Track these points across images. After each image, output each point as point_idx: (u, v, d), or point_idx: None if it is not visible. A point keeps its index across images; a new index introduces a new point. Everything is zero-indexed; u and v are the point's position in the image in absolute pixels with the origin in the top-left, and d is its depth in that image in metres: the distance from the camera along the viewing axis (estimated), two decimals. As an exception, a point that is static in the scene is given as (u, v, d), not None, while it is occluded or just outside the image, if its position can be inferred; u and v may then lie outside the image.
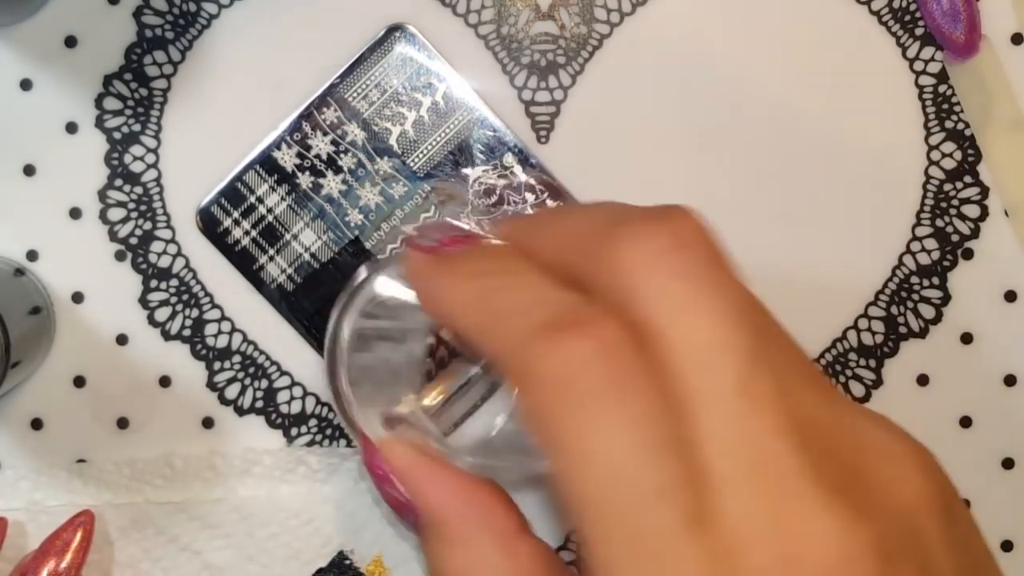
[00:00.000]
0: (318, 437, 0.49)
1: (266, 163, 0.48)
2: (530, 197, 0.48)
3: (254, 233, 0.48)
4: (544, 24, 0.48)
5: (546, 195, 0.48)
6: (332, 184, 0.48)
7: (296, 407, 0.49)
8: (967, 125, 0.49)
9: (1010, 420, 0.50)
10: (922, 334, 0.49)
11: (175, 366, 0.49)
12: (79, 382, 0.49)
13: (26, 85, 0.48)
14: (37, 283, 0.48)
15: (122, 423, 0.49)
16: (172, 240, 0.49)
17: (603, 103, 0.49)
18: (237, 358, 0.49)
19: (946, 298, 0.49)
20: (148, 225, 0.49)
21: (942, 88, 0.48)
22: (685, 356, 0.26)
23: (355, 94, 0.48)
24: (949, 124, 0.49)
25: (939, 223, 0.49)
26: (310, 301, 0.48)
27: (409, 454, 0.36)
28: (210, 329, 0.49)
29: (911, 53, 0.48)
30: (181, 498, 0.48)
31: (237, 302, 0.49)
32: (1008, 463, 0.50)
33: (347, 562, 0.48)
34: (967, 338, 0.49)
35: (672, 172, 0.49)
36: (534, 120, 0.48)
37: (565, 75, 0.48)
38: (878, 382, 0.49)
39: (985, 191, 0.49)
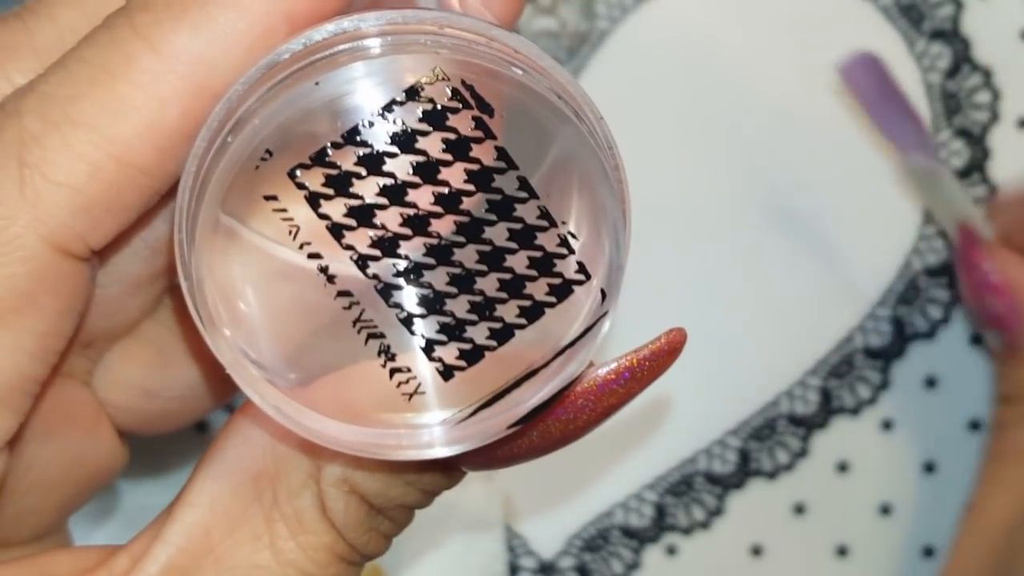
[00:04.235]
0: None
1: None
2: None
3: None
4: (544, 20, 0.48)
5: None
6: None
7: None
8: (975, 122, 0.48)
9: (1020, 423, 0.49)
10: (930, 335, 0.49)
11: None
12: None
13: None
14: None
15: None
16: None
17: (604, 100, 0.48)
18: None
19: (955, 299, 0.49)
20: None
21: (950, 85, 0.48)
22: None
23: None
24: (957, 121, 0.48)
25: (947, 222, 0.48)
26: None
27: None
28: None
29: (919, 49, 0.48)
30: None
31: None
32: (1018, 467, 0.49)
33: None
34: (976, 339, 0.49)
35: (674, 170, 0.48)
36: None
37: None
38: (885, 384, 0.49)
39: (994, 190, 0.48)
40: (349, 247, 0.24)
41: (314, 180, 0.24)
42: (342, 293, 0.25)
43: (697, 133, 0.48)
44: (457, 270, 0.25)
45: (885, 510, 0.49)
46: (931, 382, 0.49)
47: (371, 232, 0.24)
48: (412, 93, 0.24)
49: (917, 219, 0.48)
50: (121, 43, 0.24)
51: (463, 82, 0.24)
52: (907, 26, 0.48)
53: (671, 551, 0.49)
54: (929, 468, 0.49)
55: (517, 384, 0.25)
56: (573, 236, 0.25)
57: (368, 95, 0.24)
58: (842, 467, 0.49)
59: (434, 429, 0.25)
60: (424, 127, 0.24)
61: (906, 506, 0.49)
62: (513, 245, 0.25)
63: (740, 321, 0.49)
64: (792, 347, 0.49)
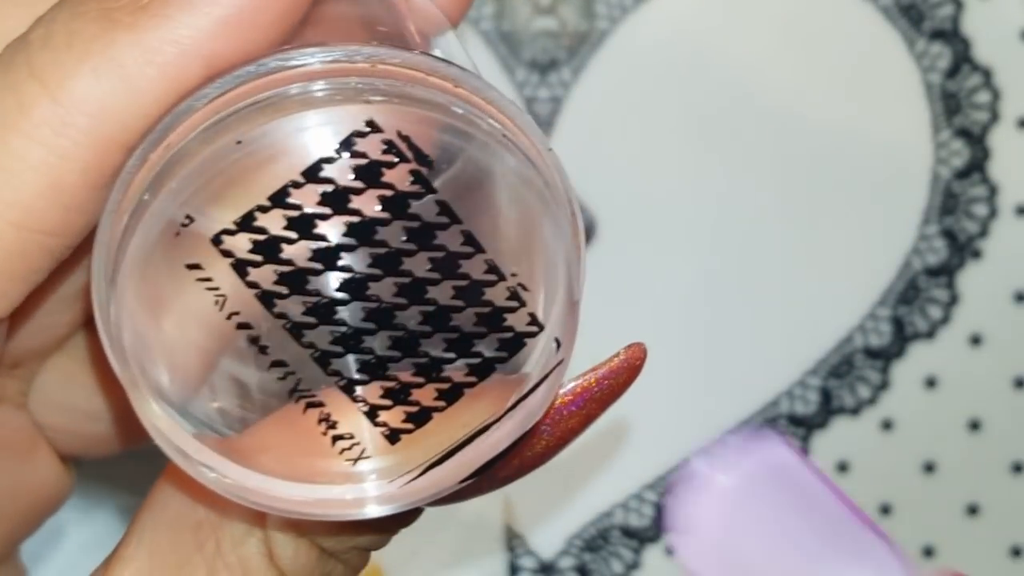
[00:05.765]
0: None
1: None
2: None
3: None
4: (545, 20, 0.48)
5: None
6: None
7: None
8: (975, 122, 0.48)
9: (1020, 424, 0.49)
10: (930, 335, 0.49)
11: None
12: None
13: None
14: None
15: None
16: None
17: (605, 100, 0.48)
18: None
19: (954, 299, 0.49)
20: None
21: (950, 85, 0.48)
22: None
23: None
24: (957, 121, 0.48)
25: (947, 222, 0.48)
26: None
27: None
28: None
29: (919, 49, 0.48)
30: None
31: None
32: (1017, 468, 0.49)
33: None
34: (976, 340, 0.49)
35: (675, 170, 0.48)
36: (535, 117, 0.48)
37: (566, 72, 0.48)
38: (884, 384, 0.49)
39: (994, 189, 0.48)
40: (281, 316, 0.22)
41: (240, 246, 0.22)
42: (276, 364, 0.23)
43: (697, 133, 0.48)
44: (400, 333, 0.23)
45: (885, 510, 0.49)
46: (931, 382, 0.49)
47: (304, 299, 0.22)
48: (342, 148, 0.22)
49: (917, 219, 0.48)
50: (16, 87, 0.21)
51: (398, 133, 0.22)
52: (907, 26, 0.48)
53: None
54: (929, 468, 0.49)
55: (469, 441, 0.24)
56: (524, 288, 0.23)
57: (296, 152, 0.22)
58: (842, 467, 0.49)
59: (382, 486, 0.24)
60: (357, 184, 0.22)
61: (906, 506, 0.49)
62: (459, 303, 0.23)
63: (740, 321, 0.49)
64: (792, 347, 0.49)
